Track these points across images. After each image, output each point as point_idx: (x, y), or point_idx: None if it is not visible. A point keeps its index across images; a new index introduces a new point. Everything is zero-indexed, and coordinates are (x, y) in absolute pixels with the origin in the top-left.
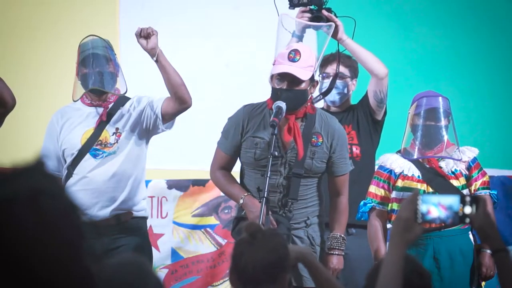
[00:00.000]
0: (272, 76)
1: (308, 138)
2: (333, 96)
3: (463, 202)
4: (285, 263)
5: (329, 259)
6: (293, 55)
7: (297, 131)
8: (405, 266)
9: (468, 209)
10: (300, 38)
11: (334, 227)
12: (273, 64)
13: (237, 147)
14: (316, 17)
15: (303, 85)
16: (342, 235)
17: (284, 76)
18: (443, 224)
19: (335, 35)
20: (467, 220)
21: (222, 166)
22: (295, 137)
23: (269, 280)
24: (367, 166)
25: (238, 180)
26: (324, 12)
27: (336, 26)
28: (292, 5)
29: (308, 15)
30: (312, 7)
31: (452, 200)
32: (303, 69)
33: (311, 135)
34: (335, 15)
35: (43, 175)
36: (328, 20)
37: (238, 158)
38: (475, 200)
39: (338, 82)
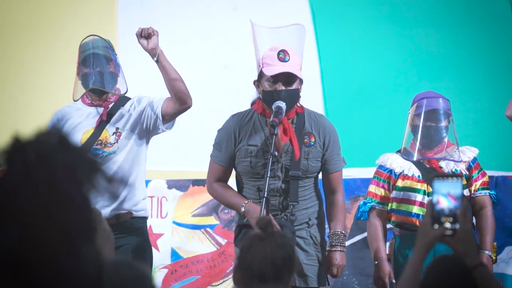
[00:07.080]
0: (260, 80)
1: (300, 139)
2: None
3: (444, 216)
4: (292, 263)
5: (333, 255)
6: (283, 56)
7: (292, 132)
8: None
9: (448, 225)
10: None
11: (334, 224)
12: (262, 68)
13: (232, 157)
14: None
15: (295, 85)
16: (343, 231)
17: (277, 77)
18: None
19: None
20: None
21: (219, 178)
22: (290, 138)
23: (274, 277)
24: None
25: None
26: None
27: None
28: None
29: None
30: None
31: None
32: (295, 68)
33: (303, 135)
34: None
35: None
36: None
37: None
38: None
39: None
